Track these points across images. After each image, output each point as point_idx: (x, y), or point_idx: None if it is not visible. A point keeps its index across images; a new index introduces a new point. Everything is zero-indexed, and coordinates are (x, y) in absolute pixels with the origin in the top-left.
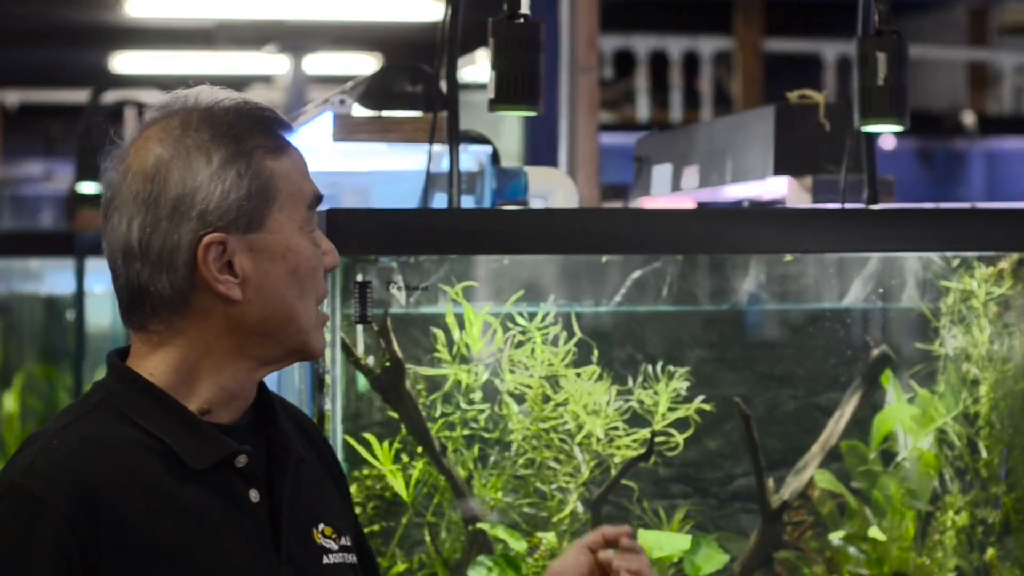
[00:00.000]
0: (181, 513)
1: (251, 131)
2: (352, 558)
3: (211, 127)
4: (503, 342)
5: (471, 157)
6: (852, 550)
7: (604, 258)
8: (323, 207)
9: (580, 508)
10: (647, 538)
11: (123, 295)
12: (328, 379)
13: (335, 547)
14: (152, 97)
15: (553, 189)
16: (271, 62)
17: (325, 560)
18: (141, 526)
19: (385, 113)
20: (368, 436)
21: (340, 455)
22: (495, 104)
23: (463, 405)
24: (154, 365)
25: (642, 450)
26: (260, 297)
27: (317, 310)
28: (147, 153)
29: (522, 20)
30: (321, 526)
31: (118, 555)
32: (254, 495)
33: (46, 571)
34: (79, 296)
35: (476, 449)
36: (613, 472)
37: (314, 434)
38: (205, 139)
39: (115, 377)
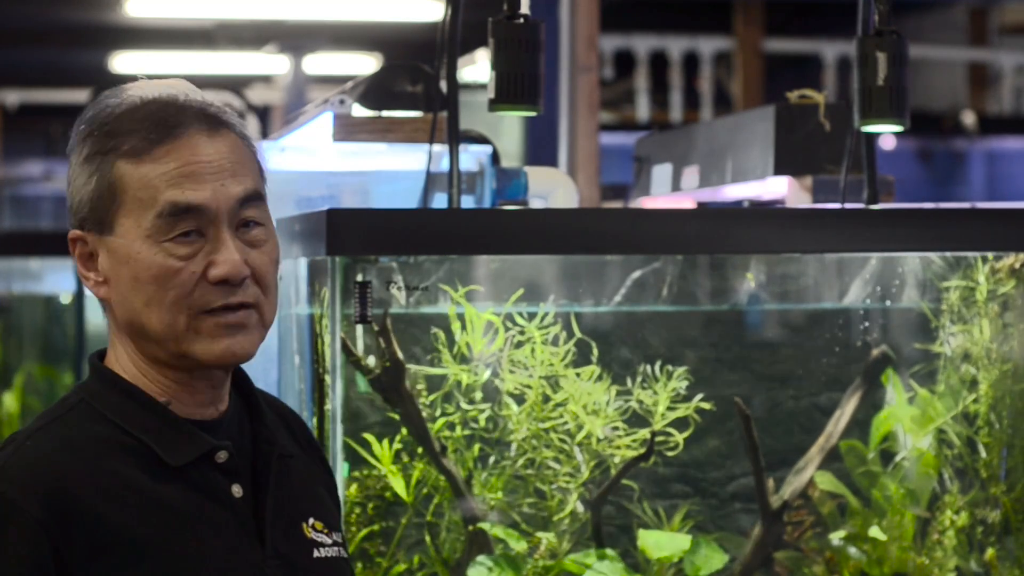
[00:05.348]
0: (159, 511)
1: (127, 131)
2: (346, 554)
3: (90, 123)
4: (503, 342)
5: (471, 157)
6: (852, 550)
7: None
8: (323, 207)
9: (580, 508)
10: (647, 538)
11: None
12: (328, 379)
13: (328, 541)
14: None
15: (553, 189)
16: (271, 62)
17: (316, 554)
18: (117, 525)
19: (385, 113)
20: (368, 436)
21: (340, 455)
22: (495, 104)
23: (463, 405)
24: (115, 359)
25: (642, 450)
26: (117, 299)
27: (195, 317)
28: None
29: (522, 20)
30: (311, 520)
31: (94, 556)
32: (236, 490)
33: (17, 574)
34: (79, 296)
35: (476, 449)
36: (613, 472)
37: (303, 436)
38: (82, 135)
39: (94, 377)
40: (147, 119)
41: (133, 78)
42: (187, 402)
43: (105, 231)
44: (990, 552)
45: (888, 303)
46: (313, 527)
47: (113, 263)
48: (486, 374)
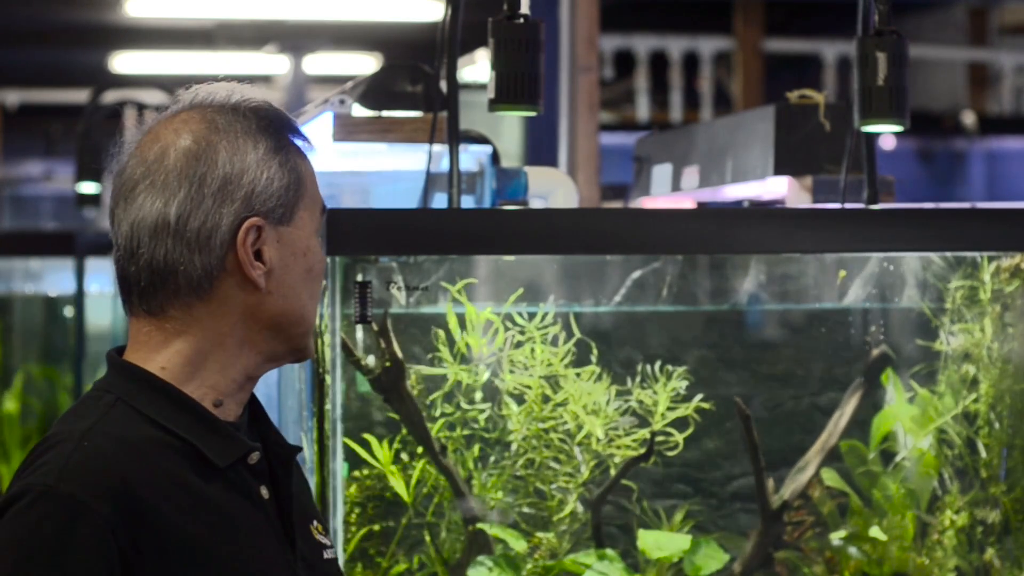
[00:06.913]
0: (212, 511)
1: (285, 127)
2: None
3: (257, 117)
4: (503, 342)
5: (471, 157)
6: (852, 550)
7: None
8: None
9: (580, 508)
10: (647, 538)
11: (142, 275)
12: (328, 379)
13: (327, 543)
14: (152, 97)
15: (553, 189)
16: (271, 62)
17: (325, 555)
18: (177, 526)
19: (385, 113)
20: (368, 436)
21: (340, 455)
22: (495, 104)
23: (463, 405)
24: (166, 358)
25: (642, 450)
26: (280, 290)
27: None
28: (188, 133)
29: (522, 20)
30: (315, 522)
31: (157, 556)
32: (264, 491)
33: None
34: (79, 296)
35: (476, 449)
36: (613, 472)
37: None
38: (252, 126)
39: (124, 376)
40: (284, 118)
41: (138, 79)
42: (235, 399)
43: (284, 222)
44: (990, 552)
45: (888, 303)
46: (316, 528)
47: (284, 254)
48: (486, 374)
